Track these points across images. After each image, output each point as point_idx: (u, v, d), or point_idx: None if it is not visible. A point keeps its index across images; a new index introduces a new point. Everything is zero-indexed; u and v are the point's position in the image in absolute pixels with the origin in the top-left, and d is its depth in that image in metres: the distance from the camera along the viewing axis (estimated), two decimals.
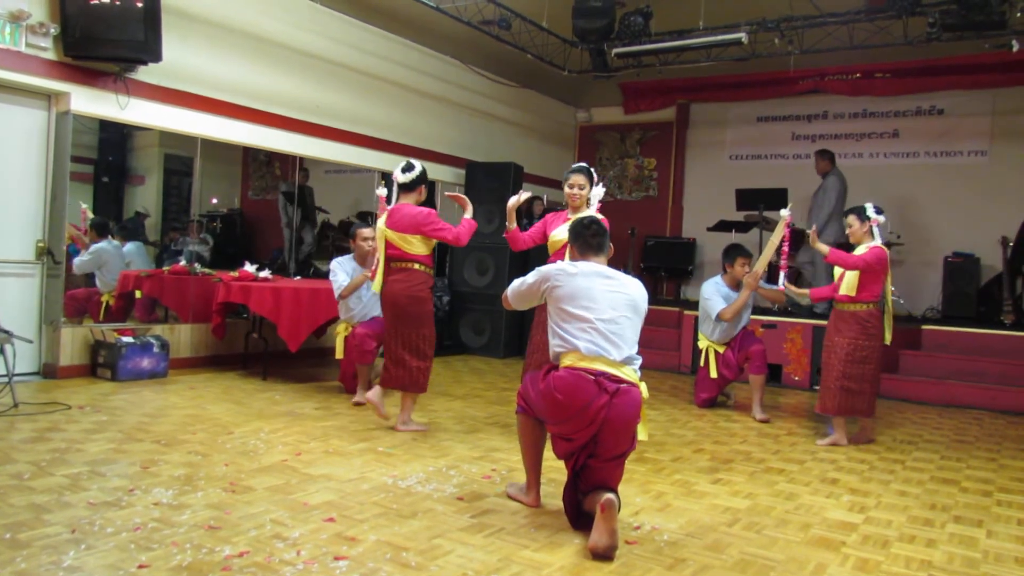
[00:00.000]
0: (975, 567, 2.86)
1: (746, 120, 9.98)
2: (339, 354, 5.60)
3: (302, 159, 7.66)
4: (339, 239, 8.32)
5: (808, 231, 5.28)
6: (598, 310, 2.98)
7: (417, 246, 4.52)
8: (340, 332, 5.61)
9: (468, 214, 4.56)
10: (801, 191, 8.12)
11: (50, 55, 5.34)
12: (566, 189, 4.33)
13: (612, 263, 3.31)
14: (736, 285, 5.73)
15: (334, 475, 3.57)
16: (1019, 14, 6.59)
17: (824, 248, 4.89)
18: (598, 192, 4.37)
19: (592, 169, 4.41)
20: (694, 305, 7.27)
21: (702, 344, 5.89)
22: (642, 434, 3.06)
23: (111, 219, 6.52)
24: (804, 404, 6.35)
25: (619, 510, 2.85)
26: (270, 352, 6.25)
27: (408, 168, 4.58)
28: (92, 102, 5.60)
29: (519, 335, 8.29)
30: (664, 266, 9.95)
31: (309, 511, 3.06)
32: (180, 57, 6.00)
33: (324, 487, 3.38)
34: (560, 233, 4.27)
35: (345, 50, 7.48)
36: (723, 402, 6.14)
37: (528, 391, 3.17)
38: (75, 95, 5.51)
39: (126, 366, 5.58)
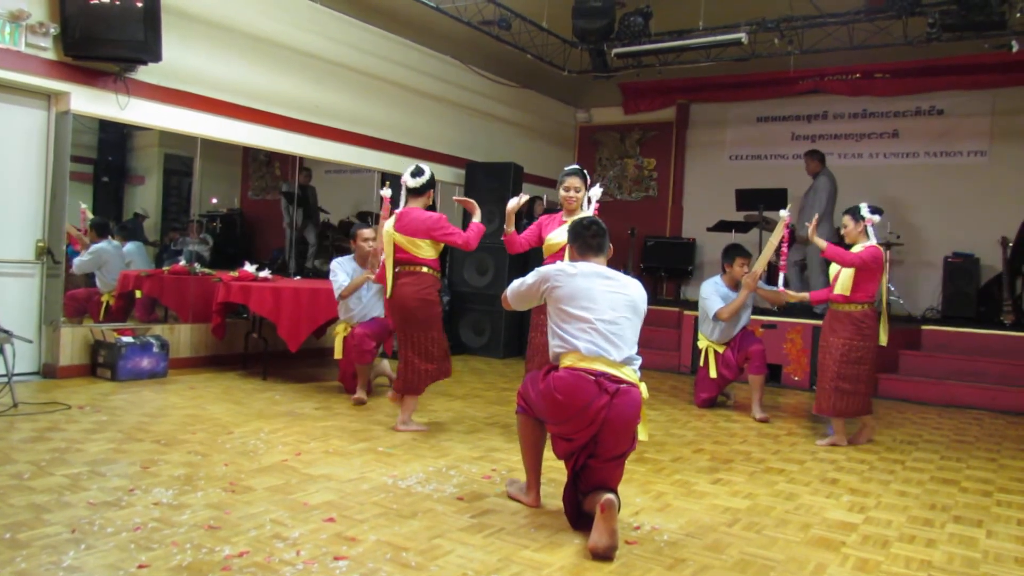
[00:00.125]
0: (975, 567, 2.86)
1: (746, 120, 9.98)
2: (338, 354, 5.60)
3: (302, 159, 7.66)
4: (339, 239, 8.32)
5: (807, 223, 5.26)
6: (598, 310, 2.98)
7: (426, 250, 4.53)
8: (339, 332, 5.61)
9: (476, 218, 4.56)
10: (801, 191, 8.13)
11: (50, 55, 5.34)
12: (561, 192, 4.32)
13: (612, 264, 3.31)
14: (735, 285, 5.73)
15: (334, 475, 3.57)
16: (1019, 14, 6.59)
17: (822, 243, 4.88)
18: (595, 193, 4.36)
19: (585, 171, 4.41)
20: (694, 305, 7.28)
21: (702, 344, 5.89)
22: (642, 434, 3.07)
23: (111, 219, 6.52)
24: (804, 404, 6.35)
25: (619, 510, 2.85)
26: (270, 352, 6.26)
27: (418, 173, 4.59)
28: (92, 102, 5.60)
29: (519, 335, 8.30)
30: (664, 266, 9.95)
31: (309, 511, 3.06)
32: (180, 57, 6.01)
33: (324, 487, 3.38)
34: (556, 237, 4.27)
35: (345, 50, 7.48)
36: (723, 402, 6.14)
37: (528, 391, 3.17)
38: (75, 95, 5.51)
39: (126, 366, 5.58)
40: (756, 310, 6.33)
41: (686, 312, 8.00)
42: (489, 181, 8.39)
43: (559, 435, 3.03)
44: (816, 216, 5.38)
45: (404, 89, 8.20)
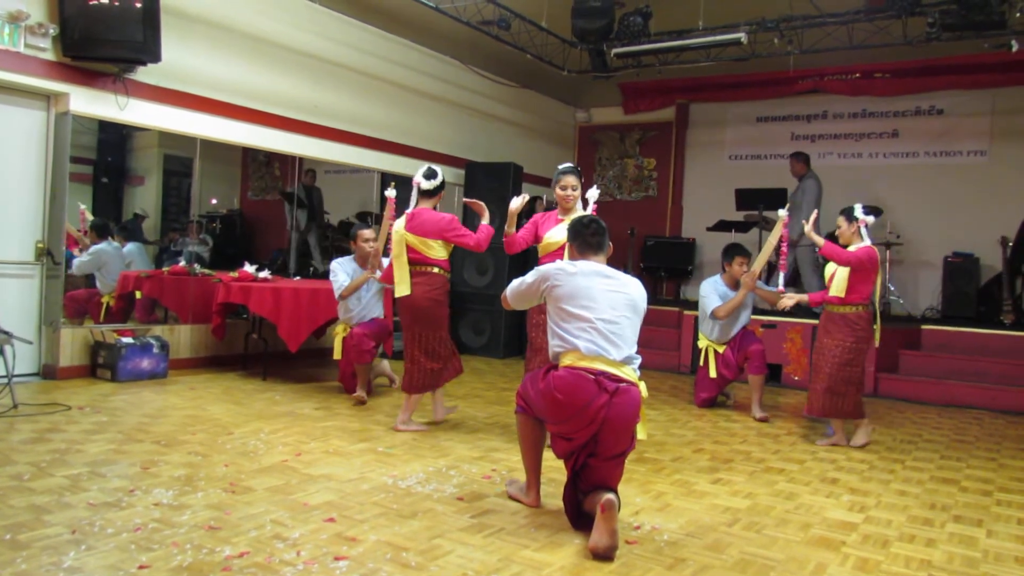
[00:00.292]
0: (975, 567, 2.86)
1: (746, 120, 9.98)
2: (337, 355, 5.60)
3: (302, 159, 7.66)
4: (339, 240, 8.32)
5: (804, 221, 5.26)
6: (598, 309, 2.98)
7: (438, 250, 4.56)
8: (338, 333, 5.61)
9: (485, 220, 4.57)
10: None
11: (49, 56, 5.34)
12: (557, 191, 4.31)
13: (611, 264, 3.31)
14: (735, 284, 5.73)
15: (334, 475, 3.57)
16: (1018, 14, 6.59)
17: (819, 240, 4.87)
18: (593, 195, 4.36)
19: (580, 169, 4.41)
20: (694, 305, 7.28)
21: (702, 344, 5.89)
22: (641, 433, 3.07)
23: (111, 220, 6.52)
24: (804, 404, 6.33)
25: (619, 510, 2.85)
26: (270, 352, 6.25)
27: (432, 175, 4.63)
28: (91, 103, 5.60)
29: (519, 335, 8.30)
30: (664, 266, 9.95)
31: (309, 511, 3.06)
32: (179, 57, 6.00)
33: (324, 487, 3.38)
34: (553, 235, 4.26)
35: (344, 50, 7.48)
36: (723, 402, 6.14)
37: (528, 391, 3.17)
38: (74, 96, 5.51)
39: (126, 367, 5.58)
40: (756, 310, 6.33)
41: (686, 312, 8.00)
42: (489, 181, 8.40)
43: (559, 434, 3.03)
44: (816, 212, 5.38)
45: (404, 89, 8.20)
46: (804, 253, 7.80)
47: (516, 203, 4.27)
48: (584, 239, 3.19)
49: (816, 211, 5.40)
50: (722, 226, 8.77)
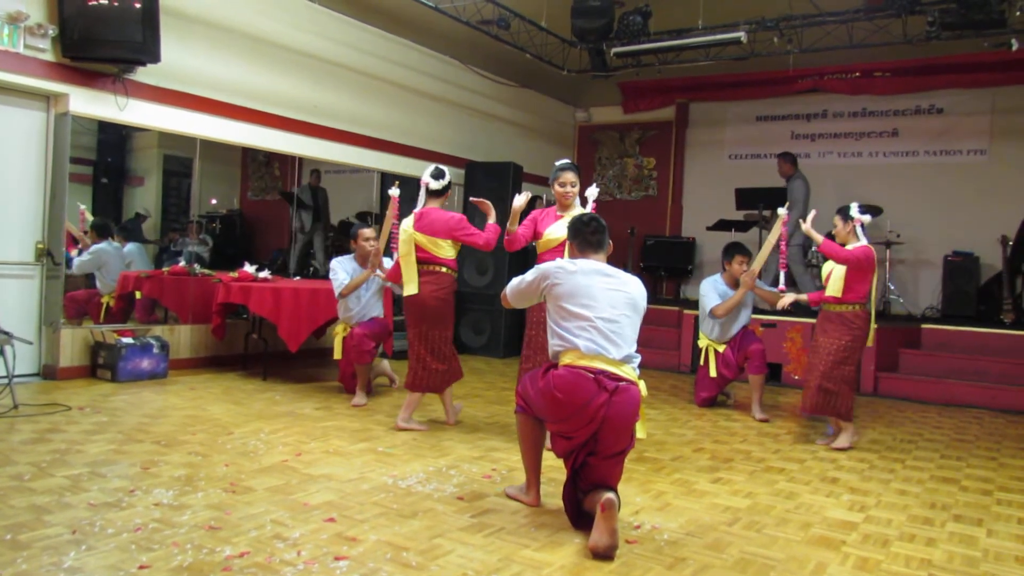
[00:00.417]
0: (975, 566, 2.86)
1: (745, 119, 9.98)
2: (337, 355, 5.60)
3: (302, 159, 7.66)
4: (339, 239, 8.32)
5: (800, 219, 5.26)
6: (598, 308, 2.98)
7: (447, 250, 4.59)
8: (338, 333, 5.61)
9: (492, 219, 4.58)
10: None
11: (48, 56, 5.34)
12: (556, 188, 4.31)
13: (611, 263, 3.30)
14: (735, 283, 5.73)
15: (334, 475, 3.57)
16: (1018, 13, 6.58)
17: (818, 237, 4.86)
18: (592, 193, 4.36)
19: (577, 166, 4.41)
20: (694, 304, 7.28)
21: (702, 343, 5.89)
22: (641, 432, 3.06)
23: (111, 220, 6.52)
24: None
25: (619, 509, 2.85)
26: (270, 352, 6.26)
27: (440, 175, 4.65)
28: (91, 103, 5.60)
29: (519, 335, 8.27)
30: (664, 265, 9.95)
31: (309, 511, 3.06)
32: (179, 58, 6.00)
33: (324, 487, 3.38)
34: (553, 232, 4.25)
35: (344, 50, 7.48)
36: (723, 401, 6.14)
37: (527, 390, 3.17)
38: (74, 96, 5.51)
39: (126, 367, 5.58)
40: (756, 309, 6.33)
41: (686, 311, 8.00)
42: (488, 181, 8.40)
43: (558, 433, 3.03)
44: (814, 211, 5.38)
45: (403, 89, 8.20)
46: (793, 253, 7.80)
47: (520, 200, 4.25)
48: (584, 237, 3.19)
49: (815, 210, 5.40)
50: (722, 225, 8.77)
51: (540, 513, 3.19)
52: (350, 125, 7.62)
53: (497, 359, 8.11)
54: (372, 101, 7.86)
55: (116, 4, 5.24)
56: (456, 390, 6.01)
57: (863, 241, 4.79)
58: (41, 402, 4.78)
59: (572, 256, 3.28)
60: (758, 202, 8.16)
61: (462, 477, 3.67)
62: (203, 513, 2.97)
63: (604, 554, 2.71)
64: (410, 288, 4.55)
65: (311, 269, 8.18)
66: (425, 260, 4.58)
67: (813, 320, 7.02)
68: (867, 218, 4.81)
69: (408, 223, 4.61)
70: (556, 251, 4.14)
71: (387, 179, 8.27)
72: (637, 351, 3.05)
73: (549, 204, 4.57)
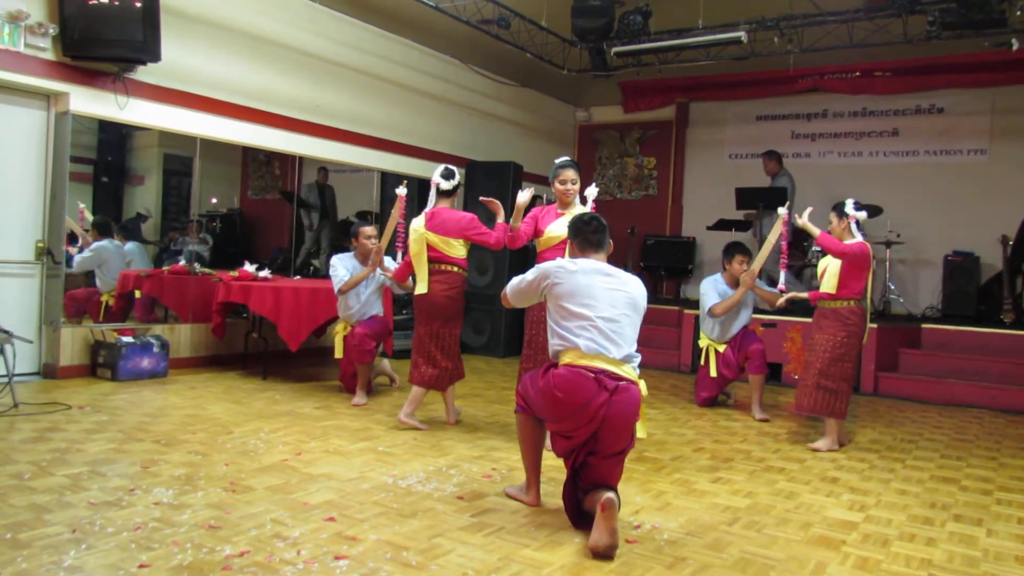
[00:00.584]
0: (975, 566, 2.87)
1: (745, 119, 9.98)
2: (338, 354, 5.60)
3: (302, 159, 7.66)
4: (339, 239, 8.32)
5: (796, 215, 5.24)
6: (598, 308, 2.98)
7: (458, 249, 4.62)
8: (339, 332, 5.60)
9: (500, 218, 4.59)
10: (801, 191, 8.13)
11: (49, 55, 5.34)
12: (557, 185, 4.31)
13: (611, 263, 3.31)
14: (735, 283, 5.73)
15: (334, 474, 3.58)
16: (1019, 12, 6.58)
17: (815, 230, 4.85)
18: (592, 192, 4.36)
19: (577, 163, 4.42)
20: (694, 304, 7.28)
21: (703, 343, 5.89)
22: (641, 431, 3.06)
23: (111, 219, 6.52)
24: None
25: (619, 509, 2.85)
26: (270, 352, 6.26)
27: (450, 175, 4.68)
28: (91, 102, 5.60)
29: (519, 334, 8.28)
30: (664, 265, 9.95)
31: (309, 511, 3.06)
32: (179, 57, 6.00)
33: (324, 487, 3.38)
34: (554, 229, 4.25)
35: (344, 50, 7.48)
36: (723, 401, 6.14)
37: (527, 389, 3.17)
38: (74, 95, 5.51)
39: (126, 366, 5.58)
40: (756, 309, 6.33)
41: (686, 311, 8.00)
42: (489, 180, 8.40)
43: (559, 432, 3.03)
44: (810, 208, 5.37)
45: (404, 89, 8.20)
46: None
47: (523, 197, 4.24)
48: (585, 237, 3.19)
49: (811, 207, 5.40)
50: (722, 225, 8.76)
51: (540, 513, 3.19)
52: (350, 124, 7.62)
53: (497, 358, 8.11)
54: (372, 100, 7.86)
55: (116, 3, 5.24)
56: (456, 389, 6.01)
57: (858, 238, 4.77)
58: (41, 401, 4.78)
59: (573, 255, 3.28)
60: (758, 202, 8.16)
61: (462, 477, 3.67)
62: (203, 512, 2.97)
63: (604, 554, 2.71)
64: (420, 287, 4.59)
65: (311, 269, 8.18)
66: (437, 259, 4.61)
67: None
68: (862, 215, 4.80)
69: (419, 223, 4.62)
70: (556, 249, 4.14)
71: (387, 178, 8.29)
72: (637, 351, 3.05)
73: (549, 203, 4.57)
